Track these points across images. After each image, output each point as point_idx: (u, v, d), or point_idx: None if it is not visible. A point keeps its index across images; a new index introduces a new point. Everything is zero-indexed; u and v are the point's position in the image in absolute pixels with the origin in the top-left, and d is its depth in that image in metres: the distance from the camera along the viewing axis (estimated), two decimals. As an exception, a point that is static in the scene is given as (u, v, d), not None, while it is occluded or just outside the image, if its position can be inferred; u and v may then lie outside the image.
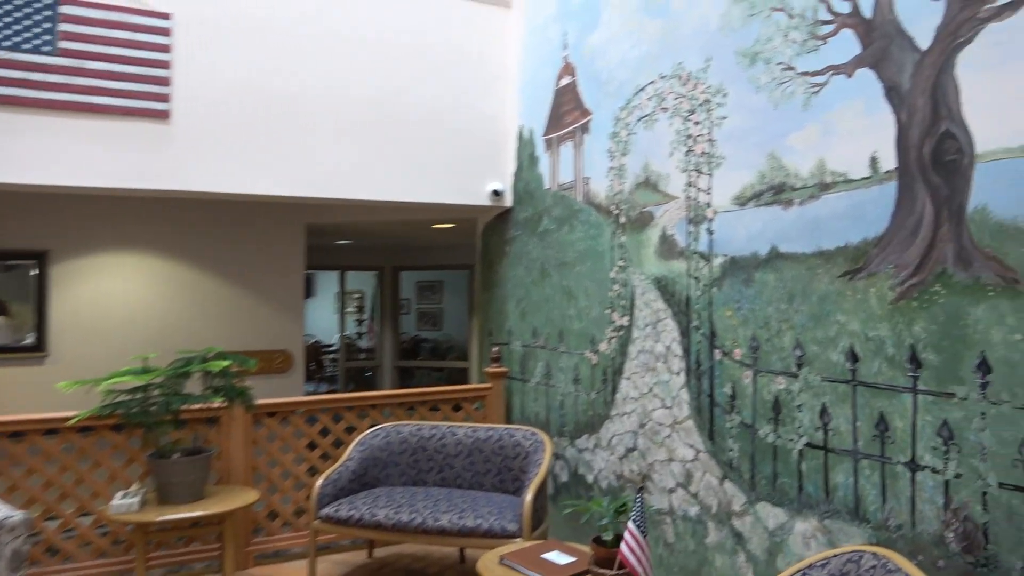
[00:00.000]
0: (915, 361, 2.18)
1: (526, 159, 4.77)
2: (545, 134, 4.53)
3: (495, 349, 4.78)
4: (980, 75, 2.00)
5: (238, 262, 6.53)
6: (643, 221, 3.51)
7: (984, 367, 1.98)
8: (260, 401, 3.94)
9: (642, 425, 3.48)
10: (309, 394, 7.53)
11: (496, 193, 4.89)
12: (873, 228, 2.32)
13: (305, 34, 4.39)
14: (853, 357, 2.38)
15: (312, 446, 4.34)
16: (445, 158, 4.77)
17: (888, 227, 2.27)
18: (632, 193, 3.60)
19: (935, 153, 2.12)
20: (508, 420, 4.82)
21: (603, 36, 3.89)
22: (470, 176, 4.86)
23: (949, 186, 2.08)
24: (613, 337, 3.74)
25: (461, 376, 9.65)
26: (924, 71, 2.15)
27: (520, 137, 4.86)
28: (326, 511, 3.60)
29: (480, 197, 4.89)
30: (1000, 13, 1.94)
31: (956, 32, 2.06)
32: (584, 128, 4.07)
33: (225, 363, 3.61)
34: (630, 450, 3.56)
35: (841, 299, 2.43)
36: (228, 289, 6.50)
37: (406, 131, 4.65)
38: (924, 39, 2.16)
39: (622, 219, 3.68)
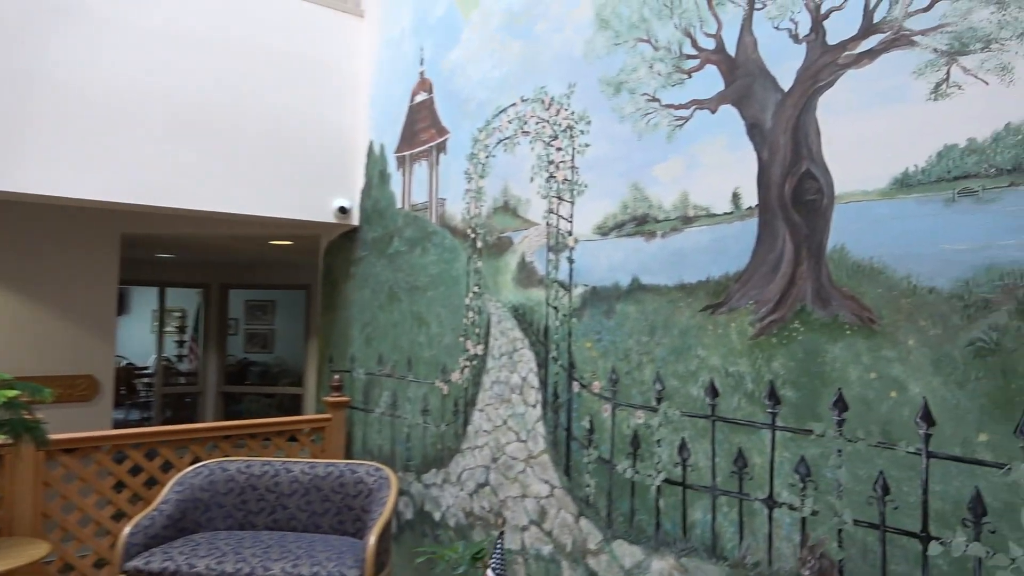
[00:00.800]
0: (774, 397, 2.18)
1: (376, 176, 4.52)
2: (398, 151, 4.31)
3: (336, 376, 4.44)
4: (839, 119, 2.05)
5: (36, 274, 5.67)
6: (501, 247, 3.38)
7: (841, 404, 2.01)
8: (56, 436, 3.35)
9: (495, 459, 3.32)
10: (119, 424, 6.68)
11: (343, 210, 4.59)
12: (735, 263, 2.32)
13: (122, 24, 3.88)
14: (713, 392, 2.36)
15: (120, 487, 3.77)
16: (287, 170, 4.41)
17: (749, 263, 2.28)
18: (490, 217, 3.47)
19: (796, 192, 2.16)
20: (349, 453, 4.48)
21: (462, 54, 3.76)
22: (314, 191, 4.52)
23: (809, 225, 2.12)
24: (466, 366, 3.56)
25: (295, 404, 9.05)
26: (786, 111, 2.19)
27: (370, 153, 4.60)
28: (135, 563, 3.09)
29: (325, 213, 4.56)
30: (859, 60, 2.01)
31: (817, 76, 2.11)
32: (441, 147, 3.90)
33: (11, 393, 3.02)
34: (481, 486, 3.39)
35: (702, 333, 2.42)
36: (22, 305, 5.61)
37: (244, 139, 4.24)
38: (786, 80, 2.20)
39: (479, 243, 3.53)
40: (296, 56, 4.48)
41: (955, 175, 1.79)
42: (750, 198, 2.29)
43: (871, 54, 1.97)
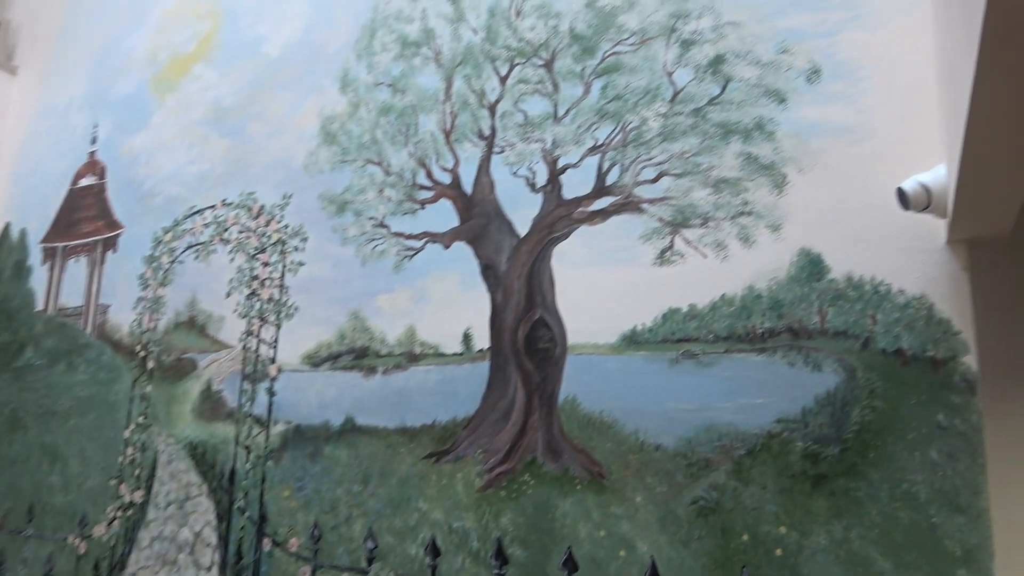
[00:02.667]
0: (501, 556, 2.03)
1: (10, 267, 3.60)
2: (47, 241, 3.50)
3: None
4: (573, 271, 2.09)
5: None
6: (181, 370, 2.83)
7: (571, 564, 1.92)
8: None
9: (147, 641, 2.62)
10: None
11: (-48, 306, 3.54)
12: (463, 408, 2.18)
13: None
14: (434, 551, 2.13)
15: None
16: None
17: (479, 408, 2.16)
18: (169, 333, 2.91)
19: (529, 339, 2.12)
20: (-87, 641, 3.24)
21: (151, 140, 3.24)
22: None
23: (541, 373, 2.08)
24: (117, 517, 2.84)
25: None
26: (521, 257, 2.18)
27: (4, 237, 3.68)
28: None
29: (-77, 308, 3.47)
30: (592, 218, 2.08)
31: (553, 226, 2.14)
32: (110, 244, 3.24)
33: None
34: (123, 677, 2.63)
35: (424, 484, 2.20)
36: None
37: None
38: (523, 226, 2.20)
39: (151, 364, 2.93)
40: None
41: (678, 337, 1.89)
42: (482, 340, 2.20)
43: (604, 214, 2.06)
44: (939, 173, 1.52)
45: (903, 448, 1.56)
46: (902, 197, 1.57)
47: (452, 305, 2.27)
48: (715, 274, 1.87)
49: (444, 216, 2.36)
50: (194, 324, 2.85)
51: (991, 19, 0.77)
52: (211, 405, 2.71)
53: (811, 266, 1.74)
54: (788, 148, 1.82)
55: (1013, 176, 1.21)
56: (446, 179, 2.39)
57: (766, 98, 1.87)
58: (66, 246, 3.40)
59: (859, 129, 1.74)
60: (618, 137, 2.07)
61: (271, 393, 2.57)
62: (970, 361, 1.53)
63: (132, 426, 2.90)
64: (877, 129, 1.72)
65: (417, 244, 2.40)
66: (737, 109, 1.90)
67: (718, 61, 1.95)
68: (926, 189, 1.53)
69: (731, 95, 1.92)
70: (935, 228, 1.61)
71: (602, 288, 2.03)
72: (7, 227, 3.68)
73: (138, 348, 2.99)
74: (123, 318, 3.09)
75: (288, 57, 2.86)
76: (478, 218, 2.30)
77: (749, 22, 1.93)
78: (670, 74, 2.03)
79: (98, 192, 3.36)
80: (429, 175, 2.43)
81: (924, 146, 1.64)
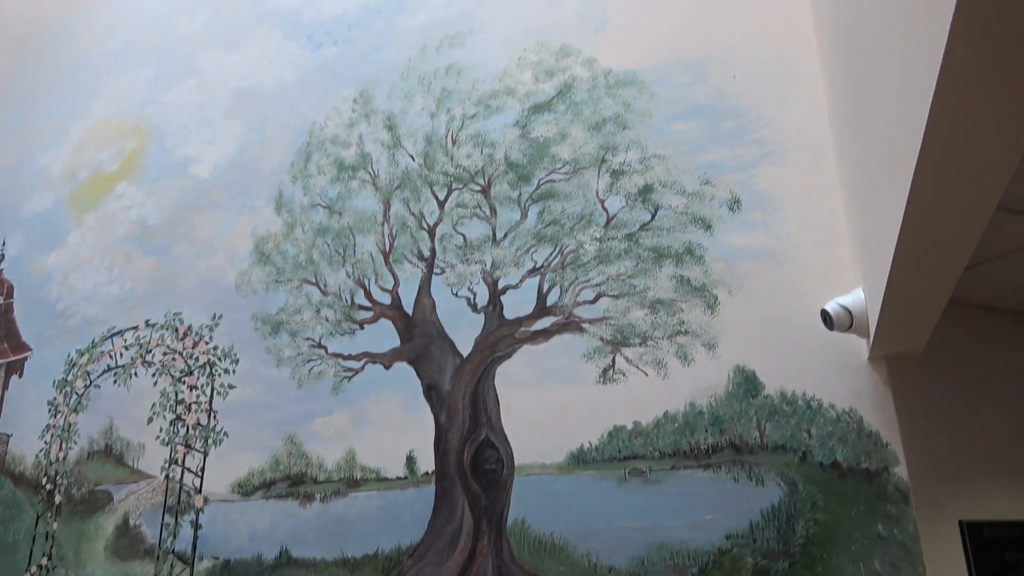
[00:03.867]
0: None
1: None
2: (-59, 365, 3.25)
3: None
4: (518, 390, 2.11)
5: None
6: (94, 504, 2.63)
7: None
8: None
9: None
10: None
11: None
12: (408, 535, 2.12)
13: None
14: None
15: None
16: None
17: (425, 535, 2.10)
18: (82, 464, 2.72)
19: (475, 460, 2.10)
20: None
21: (67, 258, 3.12)
22: None
23: (489, 496, 2.05)
24: None
25: None
26: (464, 377, 2.19)
27: None
28: None
29: None
30: (534, 337, 2.13)
31: (495, 346, 2.18)
32: (15, 367, 3.04)
33: None
34: None
35: (368, 619, 2.09)
36: None
37: None
38: (465, 346, 2.23)
39: (58, 498, 2.71)
40: None
41: (625, 455, 1.93)
42: (426, 463, 2.17)
43: (546, 333, 2.12)
44: (858, 296, 1.67)
45: (848, 560, 1.62)
46: (826, 318, 1.70)
47: (394, 427, 2.24)
48: (657, 391, 1.93)
49: (384, 336, 2.36)
50: (110, 453, 2.68)
51: (922, 175, 0.87)
52: (127, 542, 2.52)
53: (747, 383, 1.84)
54: (717, 271, 1.95)
55: (929, 302, 1.34)
56: (385, 299, 2.41)
57: (693, 225, 2.01)
58: (-37, 371, 3.16)
59: (780, 254, 1.89)
60: (556, 260, 2.16)
61: (196, 526, 2.42)
62: (901, 472, 1.63)
63: (34, 568, 2.64)
64: (796, 254, 1.88)
65: (356, 365, 2.37)
66: (667, 235, 2.03)
67: (647, 190, 2.10)
68: (847, 311, 1.66)
69: (661, 221, 2.05)
70: (857, 345, 1.74)
71: (548, 407, 2.06)
72: None
73: (44, 481, 2.76)
74: (27, 448, 2.87)
75: (219, 177, 2.86)
76: (419, 338, 2.31)
77: (673, 156, 2.09)
78: (603, 201, 2.15)
79: (4, 312, 3.18)
80: (368, 295, 2.44)
81: (839, 270, 1.80)
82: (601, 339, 2.04)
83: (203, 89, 3.03)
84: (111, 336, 2.86)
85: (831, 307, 1.68)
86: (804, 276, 1.85)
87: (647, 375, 1.96)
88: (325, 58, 2.82)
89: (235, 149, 2.87)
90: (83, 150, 3.31)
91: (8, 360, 3.07)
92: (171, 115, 3.08)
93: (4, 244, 3.35)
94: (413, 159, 2.49)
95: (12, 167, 3.57)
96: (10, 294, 3.21)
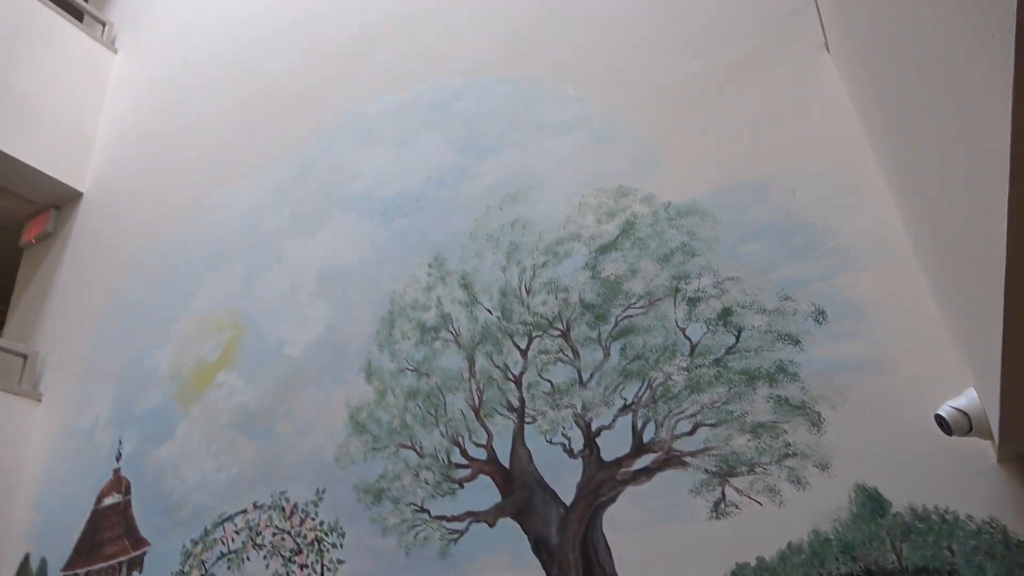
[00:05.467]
0: None
1: (26, 604, 3.43)
2: (68, 567, 3.38)
3: None
4: (628, 535, 2.04)
5: None
6: None
7: None
8: None
9: None
10: None
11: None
12: None
13: None
14: None
15: None
16: None
17: None
18: (202, 659, 2.72)
19: (595, 616, 2.01)
20: None
21: (176, 451, 3.28)
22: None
23: (616, 655, 1.94)
24: None
25: None
26: (571, 527, 2.14)
27: (23, 570, 3.55)
28: None
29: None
30: (636, 477, 2.09)
31: (598, 491, 2.14)
32: (135, 564, 3.14)
33: None
34: None
35: None
36: None
37: None
38: (567, 494, 2.19)
39: None
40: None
41: (754, 595, 1.81)
42: (545, 624, 2.08)
43: (648, 472, 2.07)
44: (971, 397, 1.59)
45: None
46: (942, 424, 1.61)
47: (507, 588, 2.18)
48: (776, 521, 1.84)
49: (485, 493, 2.35)
50: (229, 645, 2.68)
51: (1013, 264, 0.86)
52: None
53: (871, 502, 1.73)
54: (815, 387, 1.90)
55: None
56: (481, 455, 2.42)
57: (780, 342, 1.99)
58: (90, 571, 3.27)
59: (878, 362, 1.83)
60: (646, 394, 2.15)
61: None
62: (1067, 585, 1.47)
63: None
64: (895, 360, 1.82)
65: (461, 526, 2.35)
66: (756, 355, 2.01)
67: (726, 313, 2.10)
68: (964, 413, 1.58)
69: (746, 343, 2.04)
70: (982, 448, 1.64)
71: (662, 549, 1.98)
72: (26, 558, 3.56)
73: None
74: (150, 647, 2.90)
75: (311, 356, 3.01)
76: (520, 491, 2.29)
77: (747, 276, 2.10)
78: (683, 329, 2.16)
79: (123, 510, 3.32)
80: (464, 452, 2.46)
81: (944, 371, 1.72)
82: (706, 471, 1.98)
83: (290, 276, 3.26)
84: (223, 522, 2.94)
85: (945, 411, 1.60)
86: (909, 382, 1.78)
87: (761, 504, 1.87)
88: (398, 230, 3.01)
89: (323, 327, 3.03)
90: (187, 346, 3.55)
91: (130, 556, 3.17)
92: (263, 303, 3.31)
93: (121, 443, 3.55)
94: (491, 312, 2.58)
95: (125, 371, 3.84)
96: (127, 491, 3.36)
